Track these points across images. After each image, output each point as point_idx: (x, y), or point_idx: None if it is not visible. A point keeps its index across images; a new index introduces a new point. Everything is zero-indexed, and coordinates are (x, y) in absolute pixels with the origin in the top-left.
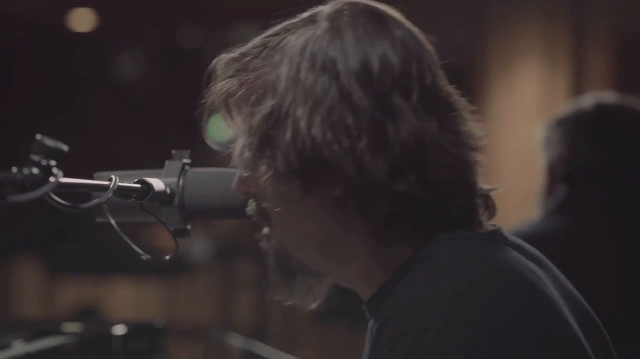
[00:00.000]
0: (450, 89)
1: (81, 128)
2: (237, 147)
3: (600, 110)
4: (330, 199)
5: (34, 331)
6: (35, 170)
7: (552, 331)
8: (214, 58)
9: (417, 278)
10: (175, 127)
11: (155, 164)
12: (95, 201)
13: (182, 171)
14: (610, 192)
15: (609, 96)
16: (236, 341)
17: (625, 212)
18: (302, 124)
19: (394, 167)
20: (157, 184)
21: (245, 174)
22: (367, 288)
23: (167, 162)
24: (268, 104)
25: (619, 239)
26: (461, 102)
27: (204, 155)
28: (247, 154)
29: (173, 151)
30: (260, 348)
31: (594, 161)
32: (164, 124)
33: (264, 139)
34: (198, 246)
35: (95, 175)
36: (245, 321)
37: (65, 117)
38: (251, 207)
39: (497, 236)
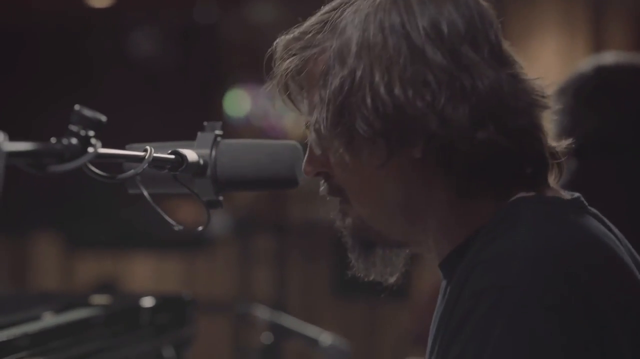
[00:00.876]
0: (507, 44)
1: (97, 105)
2: (309, 125)
3: (601, 73)
4: (409, 161)
5: (63, 304)
6: (74, 140)
7: (632, 299)
8: (229, 34)
9: (502, 235)
10: (192, 103)
11: (173, 140)
12: (131, 172)
13: (215, 143)
14: (620, 165)
15: (609, 57)
16: (262, 313)
17: (636, 184)
18: (381, 86)
19: (474, 117)
20: (191, 155)
21: (318, 152)
22: (445, 249)
23: (199, 134)
24: (339, 74)
25: (632, 214)
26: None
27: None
28: (321, 128)
29: (205, 123)
30: (286, 319)
31: (599, 131)
32: (181, 100)
33: (339, 110)
34: (217, 220)
35: (127, 147)
36: (264, 296)
37: (82, 94)
38: (324, 187)
39: (579, 203)
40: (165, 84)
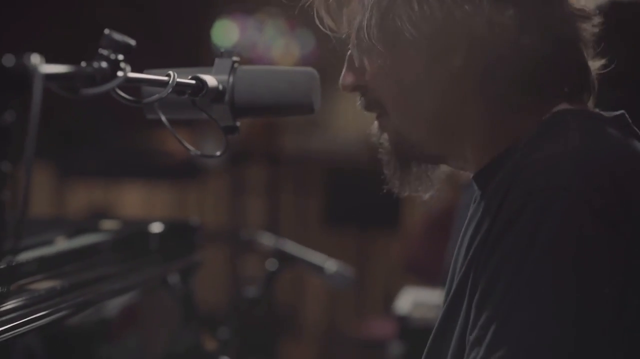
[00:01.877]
0: None
1: (88, 31)
2: (350, 35)
3: (614, 9)
4: (450, 69)
5: (75, 228)
6: (104, 64)
7: None
8: None
9: (551, 140)
10: (180, 33)
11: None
12: (156, 96)
13: (232, 69)
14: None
15: None
16: (267, 240)
17: None
18: None
19: (520, 21)
20: (210, 80)
21: (357, 64)
22: (482, 161)
23: (216, 60)
24: None
25: None
26: None
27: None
28: (364, 34)
29: (222, 49)
30: (291, 246)
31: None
32: (169, 30)
33: (385, 12)
34: (209, 151)
35: (145, 71)
36: (256, 226)
37: (72, 24)
38: (361, 102)
39: (623, 120)
40: (153, 13)
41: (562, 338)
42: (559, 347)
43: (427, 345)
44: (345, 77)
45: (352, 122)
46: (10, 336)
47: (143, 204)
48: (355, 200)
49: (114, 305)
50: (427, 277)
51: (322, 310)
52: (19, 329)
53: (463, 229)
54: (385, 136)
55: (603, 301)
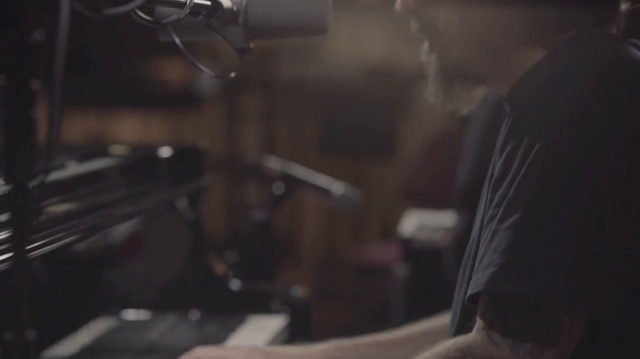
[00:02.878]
0: None
1: None
2: None
3: None
4: None
5: (84, 153)
6: None
7: None
8: None
9: (566, 51)
10: None
11: None
12: (174, 17)
13: None
14: None
15: None
16: (273, 164)
17: None
18: None
19: None
20: (225, 1)
21: None
22: (516, 78)
23: None
24: None
25: None
26: None
27: None
28: None
29: None
30: (298, 170)
31: None
32: None
33: None
34: (204, 78)
35: None
36: (253, 152)
37: None
38: (415, 25)
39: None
40: None
41: (570, 209)
42: (568, 215)
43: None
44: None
45: (349, 50)
46: (29, 257)
47: (138, 133)
48: (352, 127)
49: (120, 231)
50: (425, 201)
51: (319, 237)
52: (34, 252)
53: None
54: (435, 55)
55: (609, 178)
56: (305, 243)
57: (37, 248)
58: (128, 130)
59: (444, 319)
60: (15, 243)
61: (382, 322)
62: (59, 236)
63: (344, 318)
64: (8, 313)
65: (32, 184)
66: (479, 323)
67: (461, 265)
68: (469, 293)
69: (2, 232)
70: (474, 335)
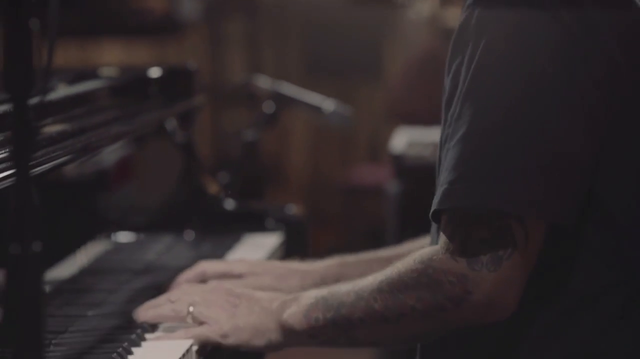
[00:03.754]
0: None
1: None
2: None
3: None
4: None
5: (74, 75)
6: None
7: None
8: None
9: None
10: None
11: None
12: None
13: None
14: None
15: None
16: (264, 82)
17: None
18: None
19: None
20: None
21: None
22: None
23: None
24: None
25: None
26: None
27: None
28: None
29: None
30: (287, 88)
31: None
32: None
33: None
34: (186, 5)
35: None
36: (238, 78)
37: None
38: None
39: None
40: None
41: (515, 115)
42: (513, 122)
43: None
44: None
45: None
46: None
47: (122, 62)
48: (337, 49)
49: (111, 156)
50: (413, 119)
51: (307, 159)
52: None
53: None
54: None
55: (556, 80)
56: (293, 166)
57: (34, 166)
58: (111, 59)
59: None
60: (19, 156)
61: (373, 243)
62: (54, 154)
63: (333, 240)
64: (14, 226)
65: (32, 102)
66: (440, 237)
67: None
68: (430, 212)
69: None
70: (437, 249)
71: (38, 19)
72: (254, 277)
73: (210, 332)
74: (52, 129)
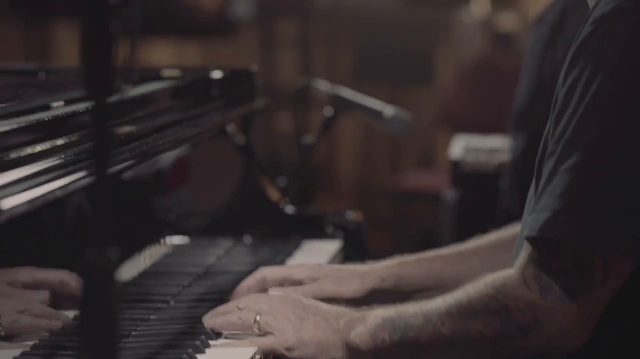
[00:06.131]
0: None
1: None
2: None
3: None
4: None
5: (138, 77)
6: None
7: None
8: None
9: None
10: None
11: None
12: None
13: None
14: None
15: None
16: (324, 87)
17: None
18: None
19: None
20: None
21: None
22: None
23: None
24: None
25: None
26: None
27: None
28: None
29: None
30: (348, 93)
31: None
32: None
33: None
34: (239, 5)
35: None
36: (288, 80)
37: None
38: None
39: None
40: None
41: (625, 148)
42: (623, 155)
43: None
44: None
45: None
46: (82, 182)
47: (172, 61)
48: (389, 53)
49: (168, 157)
50: (463, 127)
51: (357, 164)
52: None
53: None
54: None
55: None
56: (343, 171)
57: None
58: (162, 58)
59: (512, 231)
60: (98, 159)
61: (424, 249)
62: (119, 158)
63: (385, 244)
64: (90, 231)
65: (112, 100)
66: (520, 260)
67: (531, 186)
68: (525, 234)
69: (82, 149)
70: (512, 274)
71: (119, 18)
72: (314, 282)
73: (275, 344)
74: (119, 130)
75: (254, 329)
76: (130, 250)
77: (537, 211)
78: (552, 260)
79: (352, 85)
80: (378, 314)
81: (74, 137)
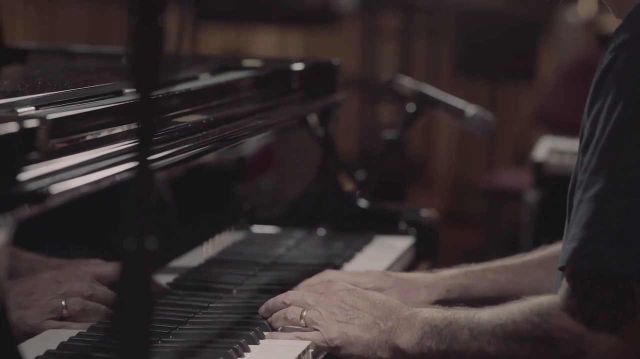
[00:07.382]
0: None
1: None
2: None
3: None
4: None
5: (218, 65)
6: None
7: None
8: None
9: None
10: None
11: None
12: None
13: None
14: None
15: None
16: (407, 82)
17: None
18: None
19: None
20: None
21: None
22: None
23: None
24: None
25: None
26: None
27: None
28: None
29: None
30: (430, 89)
31: None
32: None
33: None
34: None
35: None
36: (388, 71)
37: None
38: None
39: None
40: None
41: None
42: None
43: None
44: None
45: None
46: (161, 165)
47: (275, 49)
48: (490, 49)
49: (251, 145)
50: (560, 128)
51: (452, 160)
52: (161, 162)
53: None
54: None
55: None
56: (438, 166)
57: (164, 158)
58: (265, 45)
59: None
60: (140, 152)
61: (511, 247)
62: (187, 146)
63: (472, 242)
64: (132, 221)
65: (158, 94)
66: (562, 290)
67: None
68: (558, 264)
69: (129, 142)
70: (556, 301)
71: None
72: (379, 292)
73: (320, 340)
74: (191, 118)
75: (301, 323)
76: (204, 235)
77: (567, 240)
78: (592, 290)
79: (451, 79)
80: (425, 318)
81: (130, 127)
